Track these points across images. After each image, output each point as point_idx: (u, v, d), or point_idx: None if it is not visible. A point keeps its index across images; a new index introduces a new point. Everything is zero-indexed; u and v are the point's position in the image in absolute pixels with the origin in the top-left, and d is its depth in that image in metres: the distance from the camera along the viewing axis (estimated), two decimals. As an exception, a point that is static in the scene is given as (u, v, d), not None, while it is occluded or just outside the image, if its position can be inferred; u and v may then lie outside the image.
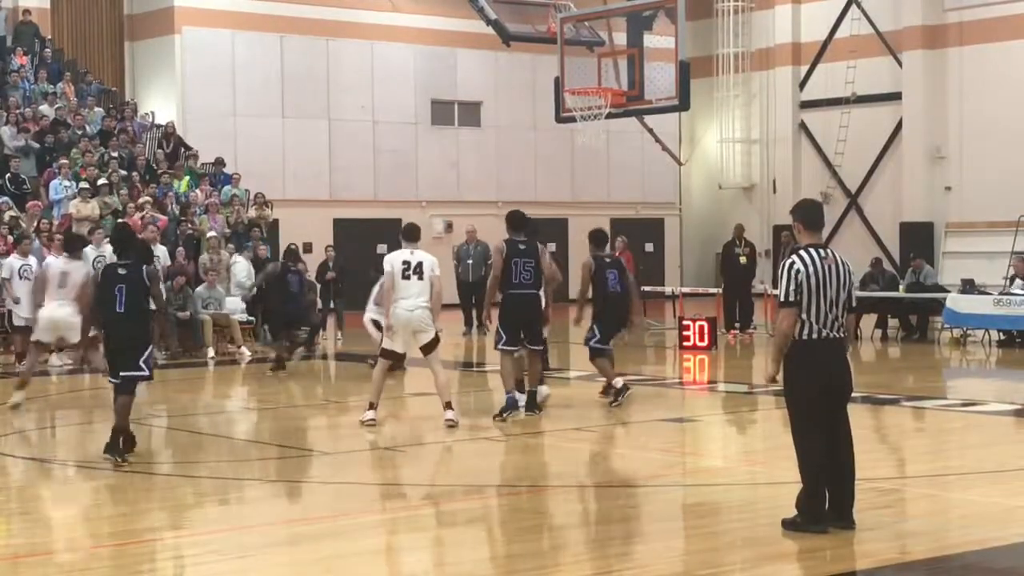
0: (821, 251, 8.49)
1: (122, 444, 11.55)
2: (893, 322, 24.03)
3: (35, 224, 22.18)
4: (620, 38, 26.93)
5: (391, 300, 13.25)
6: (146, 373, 11.64)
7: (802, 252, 8.49)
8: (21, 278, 18.99)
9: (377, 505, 10.02)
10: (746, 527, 8.84)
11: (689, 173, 38.86)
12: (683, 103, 24.75)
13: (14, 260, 19.46)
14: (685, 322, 21.93)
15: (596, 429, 13.63)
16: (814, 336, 8.40)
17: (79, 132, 26.74)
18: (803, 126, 36.80)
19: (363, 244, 30.12)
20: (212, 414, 15.10)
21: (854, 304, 8.58)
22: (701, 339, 21.49)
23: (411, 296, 13.20)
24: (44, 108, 27.06)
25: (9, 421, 14.29)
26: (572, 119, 25.57)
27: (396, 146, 33.92)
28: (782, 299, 8.44)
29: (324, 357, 21.73)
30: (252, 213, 25.77)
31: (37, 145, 25.71)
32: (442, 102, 35.00)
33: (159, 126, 28.91)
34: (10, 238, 21.16)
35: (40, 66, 28.44)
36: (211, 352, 21.18)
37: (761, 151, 37.93)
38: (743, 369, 20.41)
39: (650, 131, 29.51)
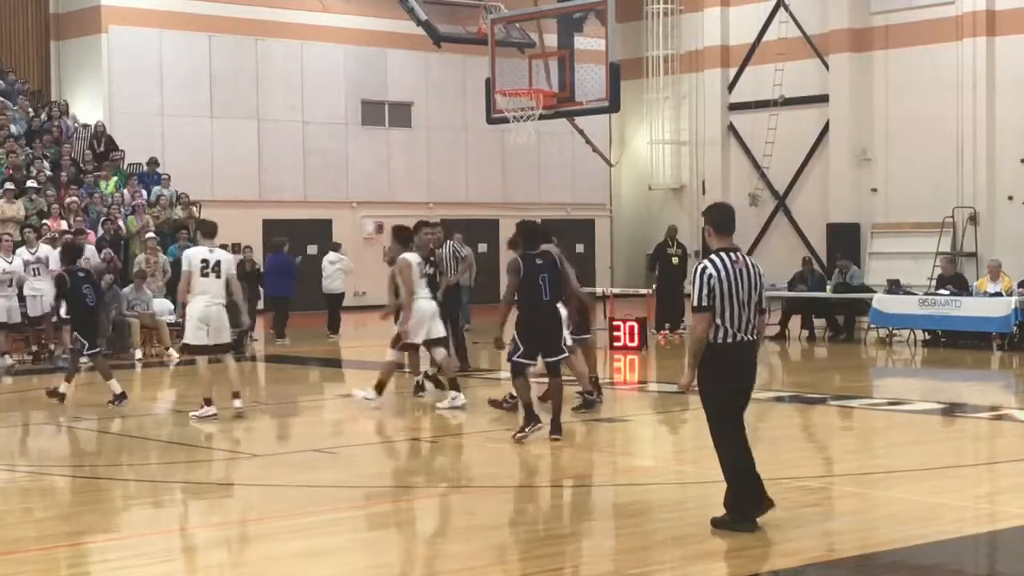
0: (732, 255, 8.57)
1: None
2: (820, 322, 24.27)
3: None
4: (551, 40, 26.95)
5: (187, 296, 13.88)
6: None
7: (713, 257, 8.56)
8: None
9: (306, 507, 9.96)
10: (676, 526, 8.89)
11: (619, 174, 39.01)
12: (613, 105, 24.82)
13: None
14: (616, 323, 22.02)
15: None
16: (729, 340, 8.48)
17: (3, 132, 26.35)
18: (732, 128, 37.07)
19: (293, 245, 29.96)
20: (139, 416, 14.94)
21: (764, 307, 8.67)
22: (631, 339, 21.58)
23: (209, 293, 13.83)
24: (-33, 107, 26.68)
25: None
26: (504, 120, 25.57)
27: (326, 147, 33.78)
28: (695, 304, 8.46)
29: (253, 359, 21.60)
30: (179, 213, 25.55)
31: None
32: (373, 102, 34.88)
33: (86, 126, 28.58)
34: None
35: (-37, 65, 28.03)
36: (138, 354, 20.97)
37: (690, 152, 38.16)
38: (673, 369, 20.47)
39: (581, 132, 29.56)
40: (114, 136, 28.61)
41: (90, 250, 20.66)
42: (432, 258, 15.58)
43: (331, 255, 26.28)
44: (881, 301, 22.70)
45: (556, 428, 12.31)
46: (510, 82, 25.68)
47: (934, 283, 24.32)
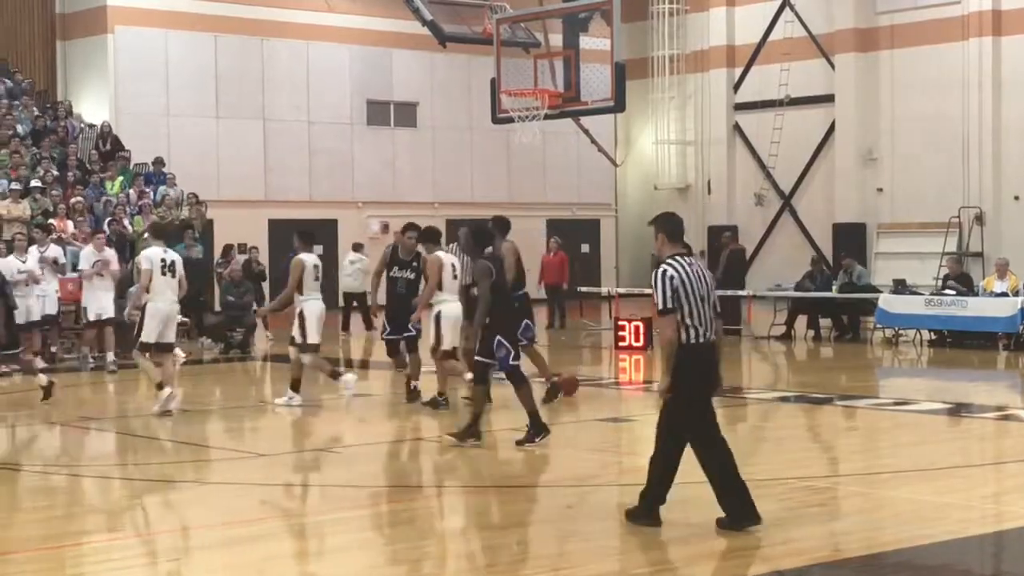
0: (687, 259, 8.74)
1: None
2: (826, 322, 24.25)
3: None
4: (556, 39, 26.96)
5: (146, 294, 14.42)
6: None
7: (671, 261, 8.70)
8: None
9: (310, 507, 9.96)
10: (680, 526, 8.88)
11: (625, 174, 38.98)
12: (618, 105, 24.82)
13: None
14: (621, 322, 22.01)
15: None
16: (699, 340, 8.61)
17: (8, 132, 26.39)
18: (737, 128, 37.04)
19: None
20: (145, 416, 14.94)
21: (718, 310, 8.83)
22: (637, 339, 21.57)
23: (168, 291, 14.49)
24: (-27, 107, 26.72)
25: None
26: (509, 120, 25.57)
27: (332, 147, 33.79)
28: (660, 307, 8.58)
29: (265, 359, 21.64)
30: (185, 213, 25.58)
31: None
32: (378, 103, 34.90)
33: (92, 126, 28.62)
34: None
35: (-32, 65, 28.08)
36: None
37: (696, 152, 38.13)
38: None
39: (586, 132, 29.60)
40: (120, 136, 28.64)
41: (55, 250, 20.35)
42: (415, 263, 15.36)
43: (351, 255, 26.51)
44: (887, 301, 22.67)
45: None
46: (515, 82, 25.69)
47: (941, 283, 24.29)
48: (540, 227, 35.21)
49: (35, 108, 28.27)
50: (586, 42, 25.38)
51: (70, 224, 22.76)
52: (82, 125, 28.75)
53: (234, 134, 32.16)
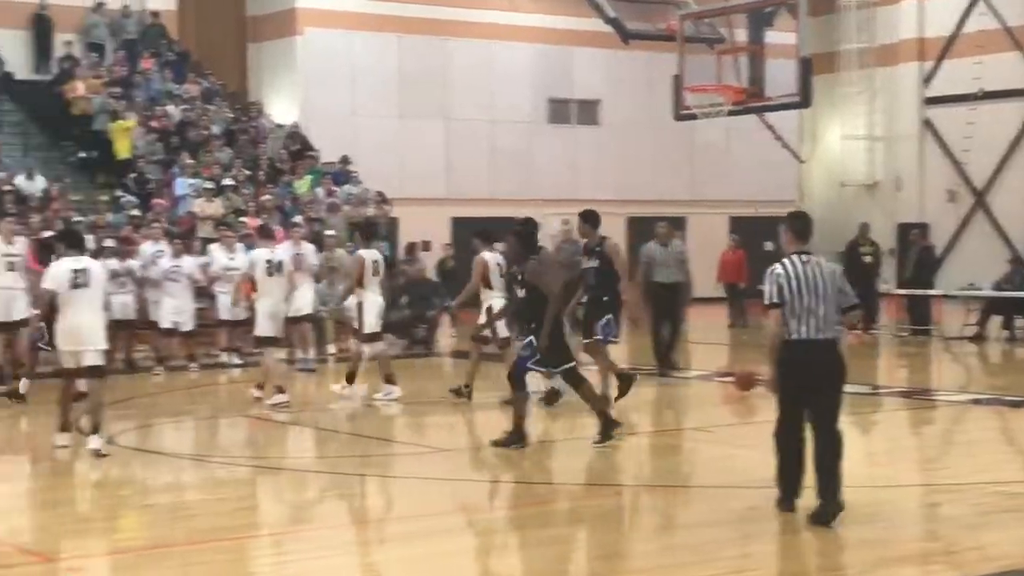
0: (803, 257, 9.03)
1: None
2: (1022, 323, 23.44)
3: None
4: (740, 35, 26.70)
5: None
6: None
7: (785, 260, 9.10)
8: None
9: (491, 502, 10.01)
10: (866, 529, 8.67)
11: (810, 170, 38.34)
12: (804, 100, 24.44)
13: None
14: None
15: (715, 429, 13.51)
16: (797, 337, 8.85)
17: (204, 132, 27.22)
18: (928, 123, 36.08)
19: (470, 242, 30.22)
20: (330, 410, 15.23)
21: (852, 303, 9.03)
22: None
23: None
24: (170, 108, 27.60)
25: (132, 416, 14.57)
26: (692, 117, 25.42)
27: (513, 145, 33.97)
28: (766, 302, 8.98)
29: (452, 355, 21.91)
30: (371, 211, 26.00)
31: (162, 145, 26.26)
32: (559, 101, 34.97)
33: (281, 126, 29.33)
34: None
35: (166, 67, 29.01)
36: (331, 349, 21.37)
37: (884, 148, 37.26)
38: (866, 370, 20.03)
39: (770, 128, 29.19)
40: (308, 136, 29.27)
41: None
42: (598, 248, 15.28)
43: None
44: (1088, 301, 21.82)
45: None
46: (699, 78, 25.53)
47: None
48: (723, 224, 34.85)
49: (228, 109, 29.08)
50: (771, 37, 25.09)
51: (259, 222, 23.31)
52: (272, 125, 29.47)
53: (417, 133, 32.58)
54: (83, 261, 12.26)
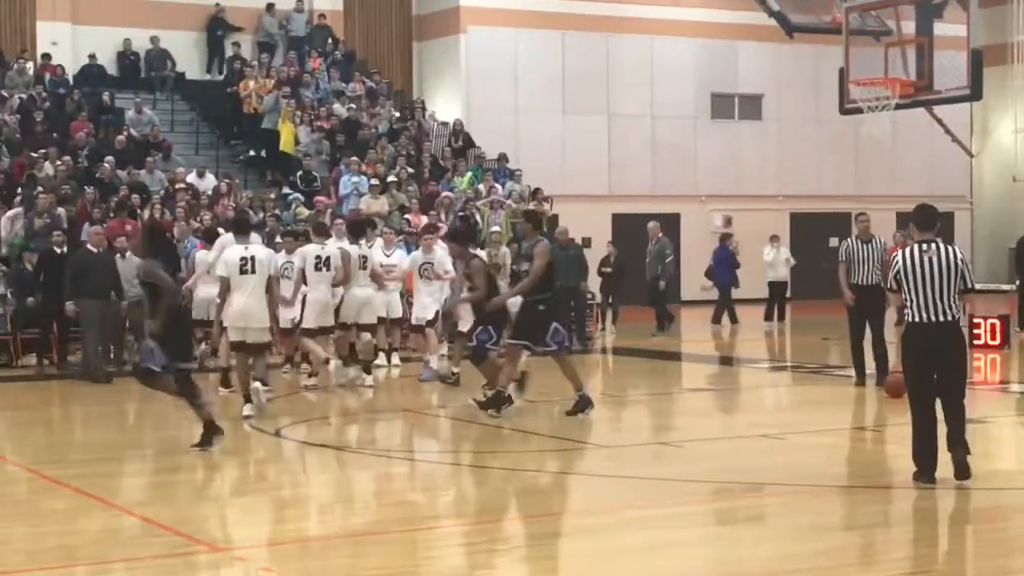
0: (924, 246, 9.85)
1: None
2: None
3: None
4: (908, 27, 26.12)
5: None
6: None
7: (906, 249, 9.95)
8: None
9: (653, 500, 10.00)
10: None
11: (981, 165, 37.37)
12: (975, 93, 23.83)
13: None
14: (976, 320, 21.09)
15: (880, 428, 13.29)
16: (917, 319, 9.75)
17: (371, 130, 27.68)
18: (1107, 114, 34.85)
19: (641, 239, 30.12)
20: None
21: (969, 287, 9.85)
22: (993, 337, 20.65)
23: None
24: (336, 107, 28.14)
25: (296, 410, 14.91)
26: (857, 111, 24.97)
27: (675, 141, 33.81)
28: (885, 287, 10.42)
29: (603, 351, 21.91)
30: (531, 207, 26.10)
31: (328, 143, 26.79)
32: (722, 95, 34.70)
33: (444, 123, 29.66)
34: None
35: (333, 66, 29.57)
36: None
37: (1060, 142, 36.11)
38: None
39: (939, 122, 28.50)
40: (471, 133, 29.55)
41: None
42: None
43: (768, 247, 27.24)
44: None
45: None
46: (865, 71, 25.08)
47: None
48: (890, 220, 34.16)
49: (393, 107, 29.51)
50: (940, 29, 24.51)
51: (423, 219, 23.62)
52: (435, 123, 29.83)
53: (579, 130, 32.64)
54: (251, 248, 13.53)
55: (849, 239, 16.22)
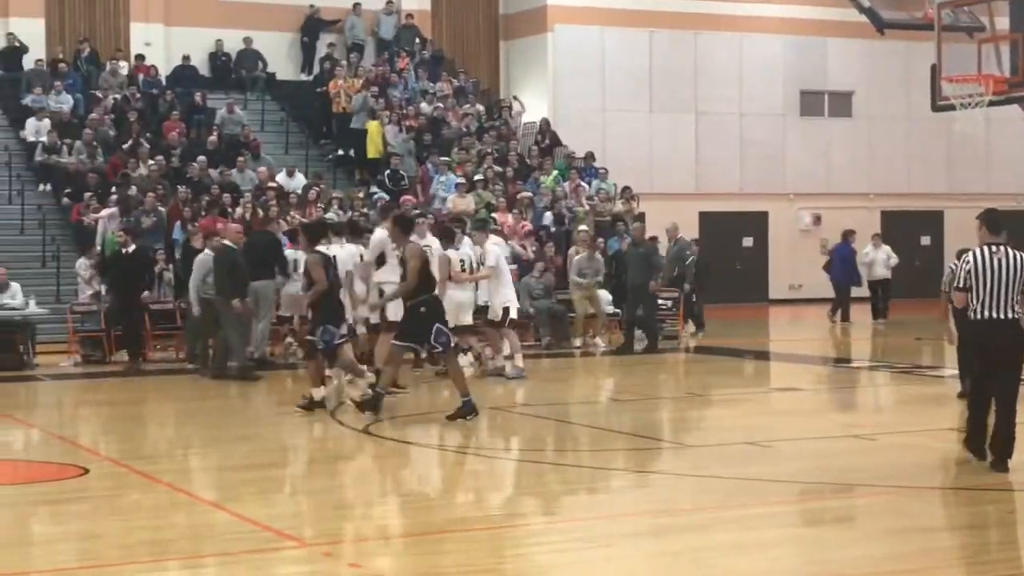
0: (993, 247, 10.38)
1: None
2: None
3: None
4: (1002, 23, 25.76)
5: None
6: None
7: (975, 250, 10.44)
8: None
9: (739, 499, 9.96)
10: None
11: (1077, 162, 36.68)
12: (1071, 89, 23.44)
13: None
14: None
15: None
16: (978, 317, 10.30)
17: (460, 128, 27.79)
18: None
19: (729, 237, 30.06)
20: (576, 404, 15.38)
21: None
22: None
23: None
24: (424, 106, 28.29)
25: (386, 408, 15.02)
26: (950, 108, 24.69)
27: (763, 138, 33.57)
28: (956, 285, 10.59)
29: (687, 351, 21.82)
30: (619, 207, 26.09)
31: (415, 143, 26.94)
32: (811, 93, 34.39)
33: (531, 122, 29.70)
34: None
35: (420, 66, 29.73)
36: (577, 343, 21.54)
37: None
38: None
39: (1034, 119, 28.06)
40: (558, 132, 29.56)
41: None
42: None
43: (869, 246, 27.28)
44: None
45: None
46: (957, 68, 24.79)
47: None
48: (982, 219, 33.68)
49: (480, 106, 29.60)
50: (1035, 24, 24.12)
51: (510, 217, 23.70)
52: (522, 121, 29.86)
53: (667, 128, 32.53)
54: (332, 248, 15.21)
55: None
